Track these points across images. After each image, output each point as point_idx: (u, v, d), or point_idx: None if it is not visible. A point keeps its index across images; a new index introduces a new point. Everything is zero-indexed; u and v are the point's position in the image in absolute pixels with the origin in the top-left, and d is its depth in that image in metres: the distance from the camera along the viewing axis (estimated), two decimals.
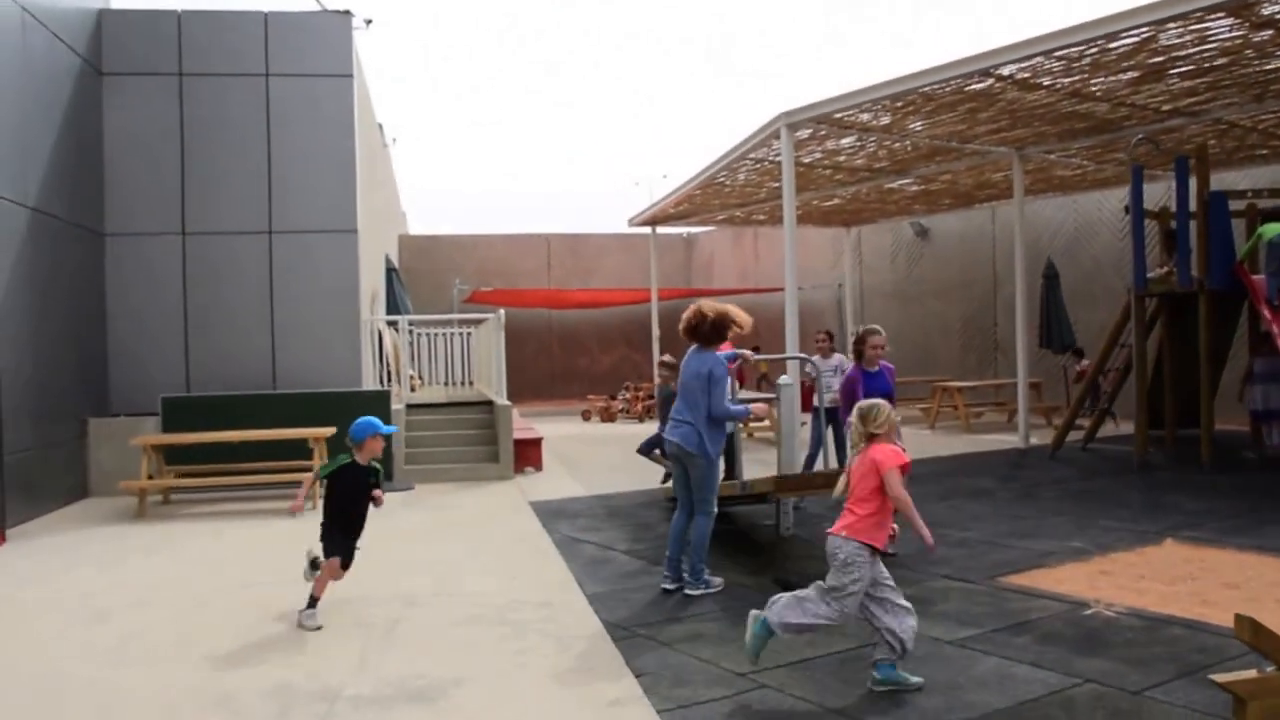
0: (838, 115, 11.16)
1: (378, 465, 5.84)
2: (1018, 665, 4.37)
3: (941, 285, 19.98)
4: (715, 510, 6.11)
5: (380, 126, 20.22)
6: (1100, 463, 11.37)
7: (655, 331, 21.60)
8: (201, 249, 12.32)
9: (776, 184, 15.79)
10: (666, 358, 9.93)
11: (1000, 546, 6.99)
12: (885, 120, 11.49)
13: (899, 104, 10.73)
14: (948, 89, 10.13)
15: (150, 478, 10.57)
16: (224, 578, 6.85)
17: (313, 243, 12.52)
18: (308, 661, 4.81)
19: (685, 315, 6.14)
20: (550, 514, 9.03)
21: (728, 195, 16.98)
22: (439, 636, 5.20)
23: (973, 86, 10.03)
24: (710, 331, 6.05)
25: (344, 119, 12.74)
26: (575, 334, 26.86)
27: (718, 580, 6.08)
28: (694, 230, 27.53)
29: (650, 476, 10.71)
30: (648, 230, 21.68)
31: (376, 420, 5.85)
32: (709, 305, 6.11)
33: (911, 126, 11.86)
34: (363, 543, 5.82)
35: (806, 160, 13.78)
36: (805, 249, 23.35)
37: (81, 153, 11.57)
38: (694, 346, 6.14)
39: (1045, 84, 9.97)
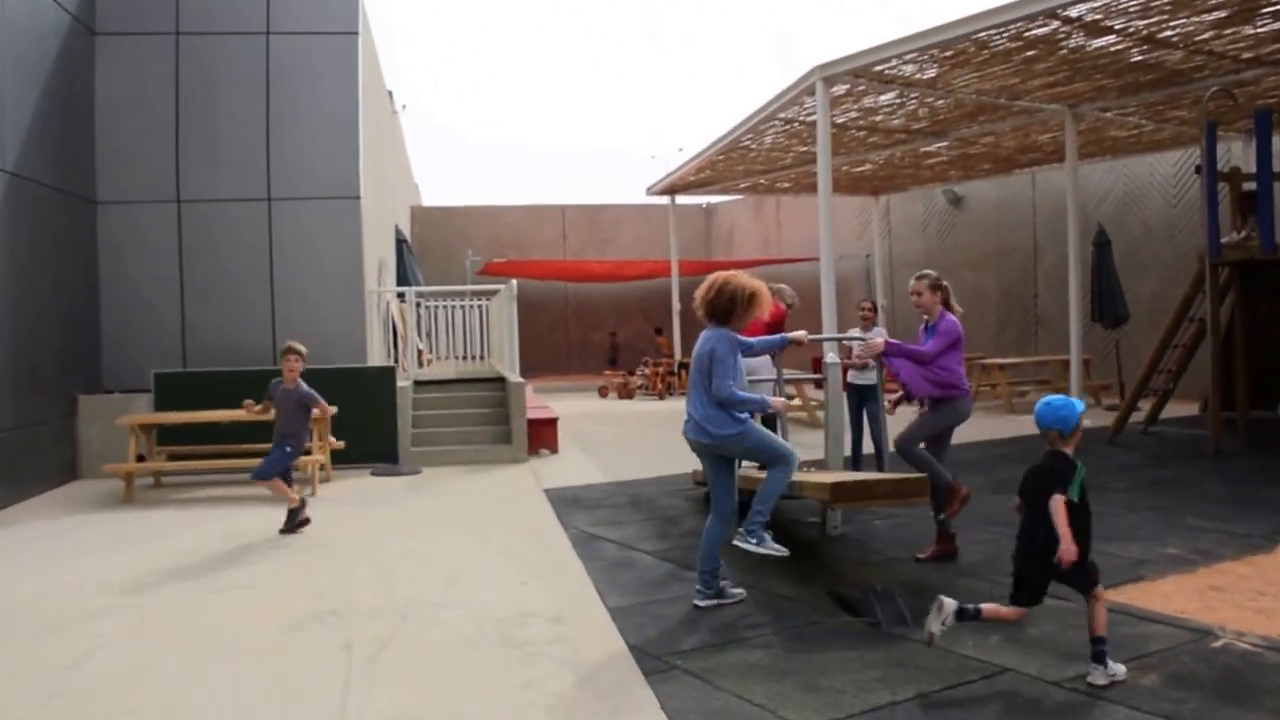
0: (879, 68, 10.26)
1: None
2: None
3: (976, 255, 19.03)
4: (792, 455, 5.26)
5: (390, 93, 19.41)
6: (1168, 449, 10.44)
7: (675, 305, 20.79)
8: (198, 217, 11.54)
9: (805, 148, 14.89)
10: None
11: None
12: (931, 73, 10.58)
13: (948, 54, 9.81)
14: (1004, 36, 9.21)
15: (142, 458, 9.91)
16: (199, 581, 6.09)
17: (315, 210, 11.74)
18: (281, 699, 4.05)
19: (701, 293, 5.33)
20: (566, 503, 8.25)
21: (752, 160, 16.08)
22: (434, 663, 4.41)
23: (1034, 31, 9.08)
24: (727, 306, 5.22)
25: (348, 79, 11.93)
26: (591, 307, 26.06)
27: (777, 547, 5.23)
28: (713, 200, 26.63)
29: (672, 461, 9.93)
30: (666, 200, 20.80)
31: None
32: (725, 276, 5.29)
33: (958, 81, 10.93)
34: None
35: (839, 120, 12.87)
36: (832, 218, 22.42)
37: (71, 116, 10.81)
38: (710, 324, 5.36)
39: (1116, 27, 9.02)
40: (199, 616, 5.30)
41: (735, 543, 5.21)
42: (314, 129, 11.73)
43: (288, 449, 7.72)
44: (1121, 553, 5.91)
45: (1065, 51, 9.78)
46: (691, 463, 9.43)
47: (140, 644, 4.82)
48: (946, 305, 6.40)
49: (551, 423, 11.67)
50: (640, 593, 5.51)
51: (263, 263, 11.62)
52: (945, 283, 6.42)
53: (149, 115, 11.44)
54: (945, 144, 14.41)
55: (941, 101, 11.89)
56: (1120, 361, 14.98)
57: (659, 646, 4.49)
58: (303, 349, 8.04)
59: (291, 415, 7.83)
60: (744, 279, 5.25)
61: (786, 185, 19.02)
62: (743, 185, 19.07)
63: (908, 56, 9.85)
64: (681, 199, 21.32)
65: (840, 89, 11.07)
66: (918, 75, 10.72)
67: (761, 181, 18.35)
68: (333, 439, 9.76)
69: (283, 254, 11.65)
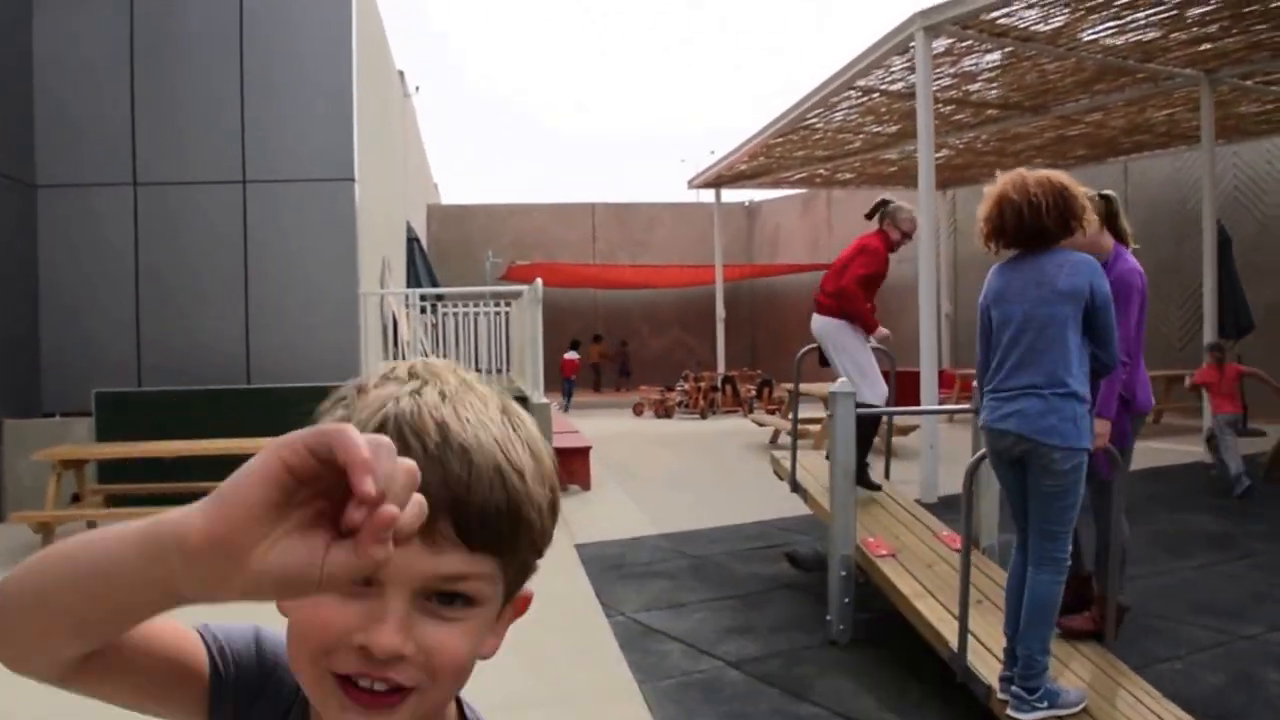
0: (993, 14, 8.19)
1: None
2: None
3: None
4: (1069, 560, 3.38)
5: (401, 73, 17.49)
6: None
7: (720, 311, 18.67)
8: (159, 202, 9.55)
9: (878, 127, 12.80)
10: None
11: None
12: (1059, 21, 8.45)
13: None
14: None
15: (78, 499, 7.96)
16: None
17: (299, 195, 9.75)
18: None
19: (992, 206, 3.42)
20: (606, 569, 6.17)
21: (815, 144, 13.94)
22: None
23: None
24: (1057, 216, 3.33)
25: (340, 38, 9.93)
26: (623, 314, 24.00)
27: (1073, 694, 3.29)
28: (756, 198, 24.53)
29: (734, 503, 7.87)
30: (704, 198, 18.74)
31: None
32: (1021, 178, 3.38)
33: (1087, 35, 8.82)
34: None
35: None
36: (934, 208, 20.27)
37: (2, 81, 8.91)
38: (1013, 256, 3.49)
39: None
40: None
41: (1011, 714, 3.24)
42: (299, 98, 9.75)
43: None
44: None
45: None
46: (764, 509, 7.63)
47: None
48: (1115, 228, 4.27)
49: (583, 453, 9.59)
50: None
51: (236, 259, 9.64)
52: (1112, 195, 4.29)
53: (100, 80, 9.47)
54: (1045, 121, 12.25)
55: (1057, 64, 9.78)
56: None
57: None
58: None
59: None
60: (1053, 174, 3.42)
61: (849, 176, 16.85)
62: (798, 176, 16.91)
63: None
64: (726, 195, 19.25)
65: (941, 44, 8.97)
66: (1039, 26, 8.61)
67: (821, 171, 16.19)
68: None
69: (260, 248, 9.67)
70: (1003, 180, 3.40)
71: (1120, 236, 4.19)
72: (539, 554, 0.80)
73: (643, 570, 6.15)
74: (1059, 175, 3.37)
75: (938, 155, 14.93)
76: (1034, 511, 3.34)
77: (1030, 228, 3.32)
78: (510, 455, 0.74)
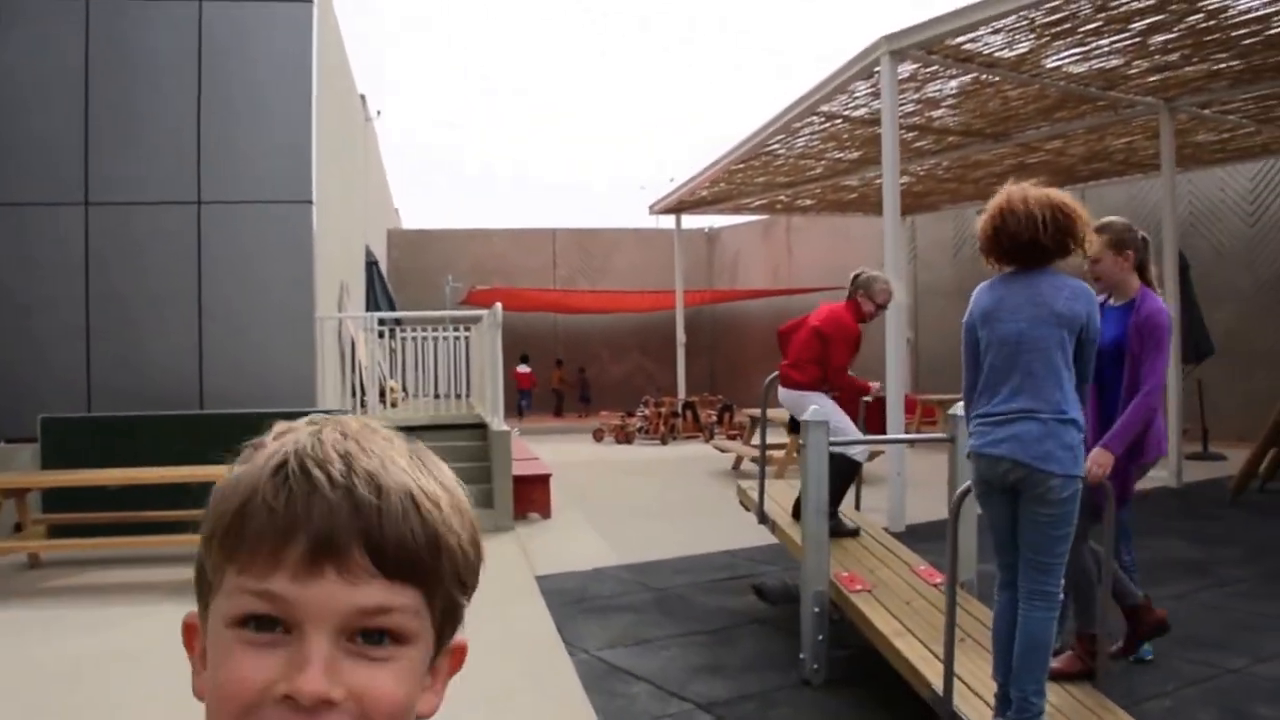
0: (959, 40, 8.22)
1: None
2: None
3: None
4: (1061, 595, 3.29)
5: (362, 97, 17.32)
6: None
7: (681, 336, 18.61)
8: (111, 222, 9.29)
9: (839, 154, 12.83)
10: None
11: None
12: (1023, 47, 8.50)
13: (1058, 15, 7.74)
14: None
15: (20, 528, 7.68)
16: None
17: (256, 216, 9.55)
18: None
19: (989, 218, 3.34)
20: (568, 603, 6.01)
21: (776, 170, 13.95)
22: None
23: None
24: (1055, 235, 3.25)
25: (300, 58, 9.77)
26: (583, 340, 23.88)
27: None
28: (717, 224, 24.58)
29: (699, 533, 7.75)
30: (665, 224, 18.72)
31: None
32: (1023, 192, 3.30)
33: (1051, 61, 8.88)
34: None
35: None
36: (845, 243, 20.34)
37: None
38: (1003, 273, 3.41)
39: None
40: None
41: None
42: (257, 118, 9.57)
43: None
44: None
45: (1202, 14, 7.73)
46: (729, 538, 7.53)
47: None
48: (1144, 276, 4.21)
49: (543, 480, 9.43)
50: None
51: (190, 281, 9.40)
52: (1143, 236, 4.25)
53: (51, 96, 9.24)
54: (1007, 148, 12.33)
55: (1020, 91, 9.84)
56: (1203, 404, 12.88)
57: None
58: None
59: None
60: (1054, 193, 3.35)
61: (809, 203, 16.88)
62: (758, 203, 16.91)
63: (1003, 22, 7.78)
64: (687, 220, 19.21)
65: (905, 70, 8.98)
66: (1004, 53, 8.64)
67: (782, 197, 16.21)
68: None
69: (215, 270, 9.44)
70: (1005, 192, 3.33)
71: (1147, 280, 4.16)
72: (465, 591, 0.74)
73: (605, 604, 6.00)
74: (1061, 194, 3.31)
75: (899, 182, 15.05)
76: (1026, 543, 3.24)
77: (1027, 244, 3.24)
78: (422, 484, 0.70)
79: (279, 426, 0.76)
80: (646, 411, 17.80)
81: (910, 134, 11.76)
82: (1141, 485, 10.21)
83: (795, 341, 6.10)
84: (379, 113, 18.20)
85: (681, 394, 18.40)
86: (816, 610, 4.28)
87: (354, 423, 0.75)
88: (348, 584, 0.66)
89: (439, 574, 0.70)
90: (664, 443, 16.65)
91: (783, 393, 6.06)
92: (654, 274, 23.15)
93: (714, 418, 17.20)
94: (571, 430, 19.25)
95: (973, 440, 3.35)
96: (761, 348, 23.32)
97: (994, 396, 3.28)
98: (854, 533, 5.38)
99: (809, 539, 4.35)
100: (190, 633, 0.76)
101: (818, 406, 5.00)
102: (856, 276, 6.10)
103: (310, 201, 9.63)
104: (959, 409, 4.57)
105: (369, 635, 0.67)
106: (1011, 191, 3.31)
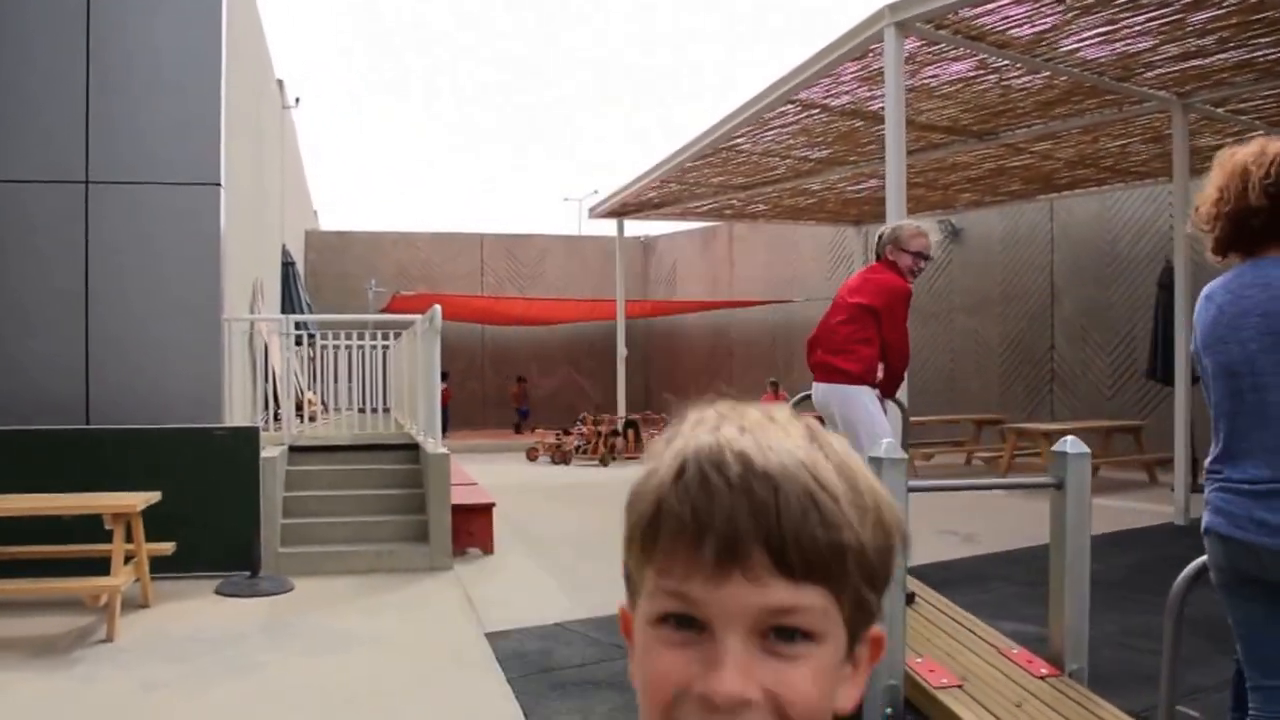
0: (975, 10, 7.34)
1: None
2: None
3: (977, 299, 16.18)
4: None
5: (280, 82, 15.94)
6: None
7: (621, 350, 17.51)
8: None
9: (805, 151, 11.89)
10: None
11: None
12: (1045, 24, 7.61)
13: None
14: None
15: None
16: None
17: (154, 199, 8.25)
18: None
19: (1216, 183, 2.31)
20: (532, 674, 4.86)
21: (735, 169, 12.94)
22: None
23: None
24: None
25: (208, 22, 8.51)
26: (510, 351, 22.67)
27: None
28: (652, 232, 23.62)
29: None
30: (598, 231, 17.65)
31: None
32: (1262, 147, 2.27)
33: (1068, 44, 8.06)
34: None
35: (872, 108, 9.90)
36: (793, 254, 19.54)
37: None
38: (1222, 277, 2.41)
39: None
40: None
41: None
42: (156, 89, 8.27)
43: None
44: None
45: None
46: None
47: None
48: None
49: (485, 510, 8.25)
50: None
51: (75, 273, 8.05)
52: None
53: None
54: (987, 150, 11.52)
55: (1023, 80, 9.02)
56: (1194, 430, 12.19)
57: None
58: None
59: None
60: None
61: (763, 207, 15.90)
62: (708, 206, 15.87)
63: None
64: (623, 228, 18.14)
65: (909, 46, 8.05)
66: (1019, 30, 7.77)
67: (734, 201, 15.19)
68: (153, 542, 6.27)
69: (105, 261, 8.10)
70: (1247, 149, 2.30)
71: None
72: (874, 587, 0.70)
73: (579, 676, 4.86)
74: None
75: (860, 188, 14.21)
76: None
77: (1262, 225, 2.23)
78: (821, 478, 0.67)
79: (693, 415, 0.74)
80: (584, 430, 16.69)
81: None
82: (1134, 521, 9.48)
83: (827, 328, 5.08)
84: (298, 101, 16.78)
85: (621, 412, 17.30)
86: (889, 712, 3.22)
87: (753, 413, 0.73)
88: (754, 586, 0.65)
89: (844, 572, 0.67)
90: (604, 464, 15.53)
91: (820, 390, 5.03)
92: (588, 283, 22.11)
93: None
94: (504, 448, 18.02)
95: (1210, 515, 2.32)
96: (700, 362, 22.39)
97: (1231, 452, 2.26)
98: (909, 598, 4.32)
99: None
100: (626, 621, 0.76)
101: (875, 416, 4.02)
102: (880, 235, 5.15)
103: (218, 184, 8.36)
104: (1068, 444, 3.58)
105: (782, 632, 0.67)
106: (1257, 145, 2.28)
